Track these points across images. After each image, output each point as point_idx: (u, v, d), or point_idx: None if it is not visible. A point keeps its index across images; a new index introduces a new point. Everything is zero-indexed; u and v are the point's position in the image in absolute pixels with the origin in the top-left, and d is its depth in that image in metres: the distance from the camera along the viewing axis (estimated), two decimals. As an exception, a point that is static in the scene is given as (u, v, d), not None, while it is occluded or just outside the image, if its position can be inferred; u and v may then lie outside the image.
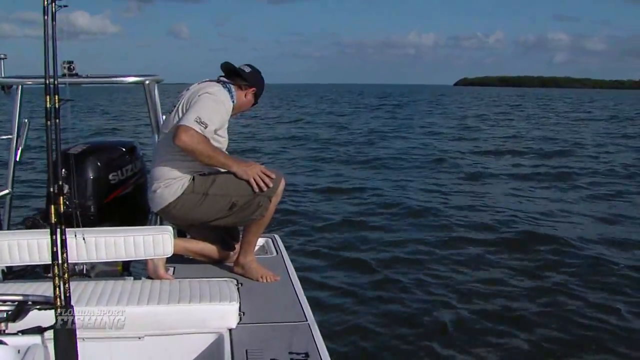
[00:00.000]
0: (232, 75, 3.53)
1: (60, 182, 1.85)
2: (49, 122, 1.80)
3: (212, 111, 3.23)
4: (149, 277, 3.24)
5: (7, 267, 3.43)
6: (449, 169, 14.19)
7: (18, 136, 3.85)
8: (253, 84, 3.57)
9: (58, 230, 1.87)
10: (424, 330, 4.95)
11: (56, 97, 1.84)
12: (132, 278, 3.26)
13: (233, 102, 3.42)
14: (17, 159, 3.86)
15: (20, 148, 3.86)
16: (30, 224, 3.68)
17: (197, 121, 3.14)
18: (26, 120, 3.91)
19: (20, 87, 3.80)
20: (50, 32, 1.80)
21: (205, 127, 3.17)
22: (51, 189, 1.84)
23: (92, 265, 3.47)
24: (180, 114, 3.28)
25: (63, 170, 3.61)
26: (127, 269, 3.69)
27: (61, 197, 1.85)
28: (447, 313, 5.28)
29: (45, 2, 1.77)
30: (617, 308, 5.47)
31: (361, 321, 4.99)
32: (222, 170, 3.34)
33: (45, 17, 1.77)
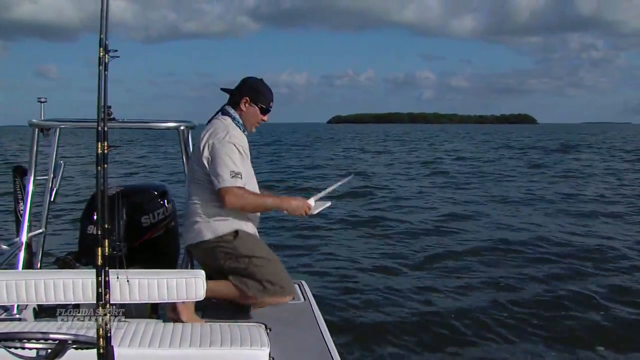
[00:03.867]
0: (230, 97, 3.64)
1: (107, 225, 1.89)
2: (99, 168, 1.86)
3: (231, 156, 3.35)
4: (176, 319, 3.26)
5: (38, 305, 3.48)
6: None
7: (53, 177, 3.94)
8: (244, 93, 3.60)
9: (103, 271, 1.89)
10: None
11: (106, 143, 1.89)
12: (162, 320, 3.28)
13: (239, 124, 3.55)
14: (52, 199, 3.95)
15: (55, 189, 3.95)
16: (61, 263, 3.74)
17: (232, 176, 3.31)
18: (62, 162, 4.01)
19: (58, 129, 3.91)
20: (103, 80, 1.87)
21: (241, 176, 3.33)
22: (98, 232, 1.87)
23: (122, 306, 3.50)
24: (205, 162, 3.38)
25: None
26: (155, 311, 3.72)
27: (106, 240, 1.89)
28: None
29: (101, 53, 1.85)
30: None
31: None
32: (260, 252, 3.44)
33: (100, 67, 1.84)
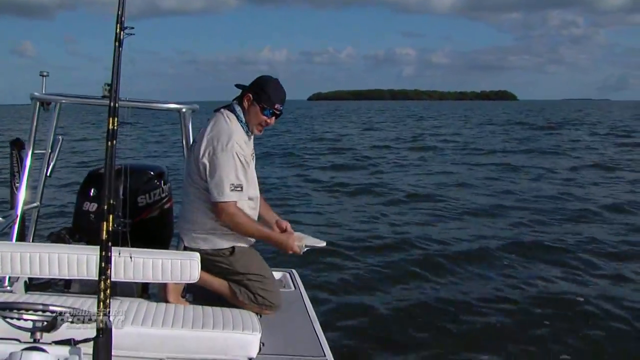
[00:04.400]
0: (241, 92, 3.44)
1: (112, 201, 1.90)
2: (109, 143, 1.87)
3: (234, 167, 3.19)
4: (166, 300, 3.27)
5: (29, 279, 3.48)
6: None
7: (51, 151, 3.93)
8: (249, 89, 3.37)
9: (107, 247, 1.90)
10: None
11: (116, 119, 1.91)
12: (153, 300, 3.29)
13: (242, 123, 3.34)
14: (49, 174, 3.94)
15: (52, 163, 3.94)
16: (55, 238, 3.74)
17: (232, 190, 3.17)
18: (60, 137, 3.99)
19: (58, 104, 3.89)
20: (117, 59, 1.89)
21: (242, 189, 3.21)
22: (104, 207, 1.89)
23: (115, 284, 3.50)
24: (201, 168, 3.23)
25: (93, 190, 3.72)
26: (146, 291, 3.73)
27: (111, 215, 1.90)
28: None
29: (117, 29, 1.86)
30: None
31: (379, 358, 5.00)
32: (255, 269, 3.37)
33: (117, 43, 1.85)
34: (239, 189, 3.19)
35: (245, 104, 3.36)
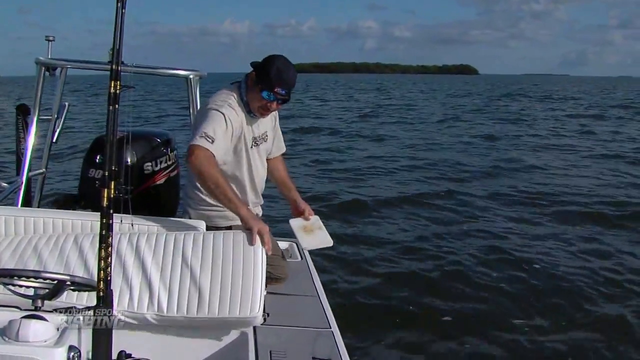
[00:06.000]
0: None
1: (114, 167, 1.86)
2: (111, 107, 1.83)
3: (213, 122, 2.97)
4: None
5: None
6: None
7: (57, 118, 3.90)
8: (255, 68, 3.16)
9: (108, 214, 1.86)
10: (452, 344, 4.96)
11: (119, 83, 1.86)
12: None
13: (243, 102, 3.16)
14: (54, 140, 3.91)
15: (57, 130, 3.91)
16: (60, 205, 3.72)
17: (202, 136, 2.90)
18: (66, 104, 3.96)
19: (64, 70, 3.85)
20: (119, 19, 1.83)
21: (212, 142, 2.91)
22: (105, 173, 1.84)
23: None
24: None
25: (99, 156, 3.68)
26: None
27: (113, 182, 1.86)
28: (475, 326, 5.32)
29: None
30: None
31: (384, 331, 5.00)
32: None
33: (119, 4, 1.80)
34: (209, 139, 2.89)
35: (250, 81, 3.16)
